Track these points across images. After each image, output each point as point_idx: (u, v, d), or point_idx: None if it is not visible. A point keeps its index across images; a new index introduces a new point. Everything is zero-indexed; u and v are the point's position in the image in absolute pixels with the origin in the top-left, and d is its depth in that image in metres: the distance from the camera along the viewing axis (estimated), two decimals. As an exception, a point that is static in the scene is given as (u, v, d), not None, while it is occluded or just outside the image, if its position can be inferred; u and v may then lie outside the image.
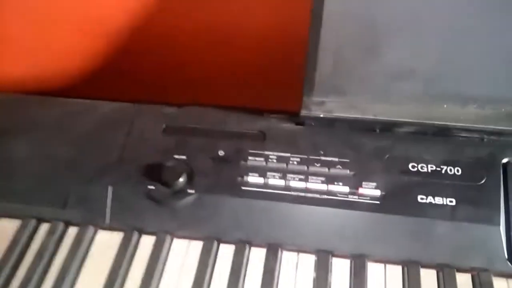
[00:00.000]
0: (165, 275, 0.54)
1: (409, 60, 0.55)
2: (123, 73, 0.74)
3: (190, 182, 0.57)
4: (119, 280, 0.54)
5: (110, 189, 0.58)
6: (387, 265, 0.52)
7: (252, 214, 0.55)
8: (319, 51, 0.55)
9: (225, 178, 0.57)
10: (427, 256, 0.52)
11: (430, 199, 0.52)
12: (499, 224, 0.51)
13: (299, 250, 0.54)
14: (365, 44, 0.55)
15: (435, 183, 0.53)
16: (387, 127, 0.58)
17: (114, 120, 0.64)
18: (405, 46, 0.54)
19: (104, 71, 0.75)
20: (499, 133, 0.55)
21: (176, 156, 0.59)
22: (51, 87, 0.78)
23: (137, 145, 0.61)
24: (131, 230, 0.57)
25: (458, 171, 0.54)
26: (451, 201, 0.52)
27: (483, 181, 0.53)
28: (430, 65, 0.55)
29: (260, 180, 0.56)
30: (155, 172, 0.58)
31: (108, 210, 0.58)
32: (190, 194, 0.56)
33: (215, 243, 0.55)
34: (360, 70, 0.57)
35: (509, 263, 0.50)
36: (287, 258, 0.54)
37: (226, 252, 0.55)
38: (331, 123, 0.59)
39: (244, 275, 0.53)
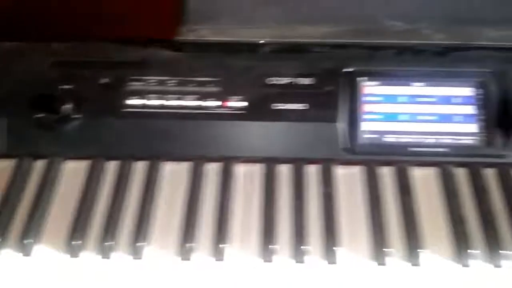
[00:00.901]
0: (56, 195, 0.60)
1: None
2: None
3: (76, 108, 0.62)
4: (12, 202, 0.58)
5: (4, 120, 0.63)
6: (252, 164, 0.61)
7: (134, 132, 0.62)
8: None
9: (108, 103, 0.63)
10: (284, 153, 0.60)
11: (285, 106, 0.61)
12: (341, 122, 0.60)
13: (177, 160, 0.62)
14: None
15: (290, 92, 0.61)
16: (252, 48, 0.65)
17: (3, 58, 0.67)
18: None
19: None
20: (344, 46, 0.63)
21: (63, 86, 0.64)
22: None
23: (27, 79, 0.65)
24: (26, 156, 0.62)
25: (309, 81, 0.62)
26: (303, 106, 0.61)
27: (330, 88, 0.62)
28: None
29: (140, 102, 0.63)
30: (44, 102, 0.63)
31: (4, 139, 0.63)
32: (77, 118, 0.62)
33: (102, 161, 0.62)
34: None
35: (345, 152, 0.60)
36: (166, 168, 0.62)
37: (112, 167, 0.62)
38: (203, 47, 0.65)
39: (129, 186, 0.60)
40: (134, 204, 0.58)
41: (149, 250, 0.55)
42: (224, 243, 0.54)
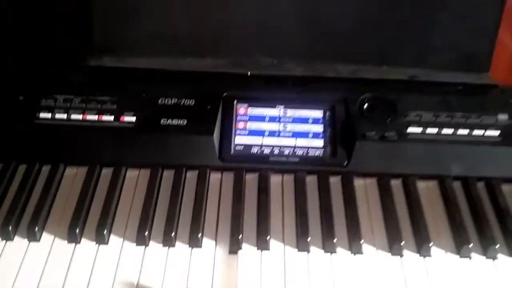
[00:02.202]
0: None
1: (154, 25, 0.77)
2: None
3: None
4: None
5: None
6: (141, 170, 0.74)
7: (43, 140, 0.74)
8: (93, 18, 0.76)
9: (22, 116, 0.74)
10: (166, 161, 0.73)
11: (169, 121, 0.73)
12: (213, 135, 0.73)
13: (77, 165, 0.74)
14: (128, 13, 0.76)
15: (175, 111, 0.74)
16: (146, 75, 0.78)
17: None
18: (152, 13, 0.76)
19: None
20: (222, 75, 0.77)
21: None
22: None
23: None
24: None
25: (192, 102, 0.75)
26: (183, 121, 0.73)
27: (210, 108, 0.75)
28: (172, 27, 0.77)
29: (48, 115, 0.74)
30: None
31: None
32: (-7, 127, 0.73)
33: (13, 164, 0.73)
34: (124, 33, 0.78)
35: (219, 160, 0.73)
36: (67, 172, 0.74)
37: (21, 171, 0.73)
38: (106, 72, 0.78)
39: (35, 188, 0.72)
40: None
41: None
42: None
